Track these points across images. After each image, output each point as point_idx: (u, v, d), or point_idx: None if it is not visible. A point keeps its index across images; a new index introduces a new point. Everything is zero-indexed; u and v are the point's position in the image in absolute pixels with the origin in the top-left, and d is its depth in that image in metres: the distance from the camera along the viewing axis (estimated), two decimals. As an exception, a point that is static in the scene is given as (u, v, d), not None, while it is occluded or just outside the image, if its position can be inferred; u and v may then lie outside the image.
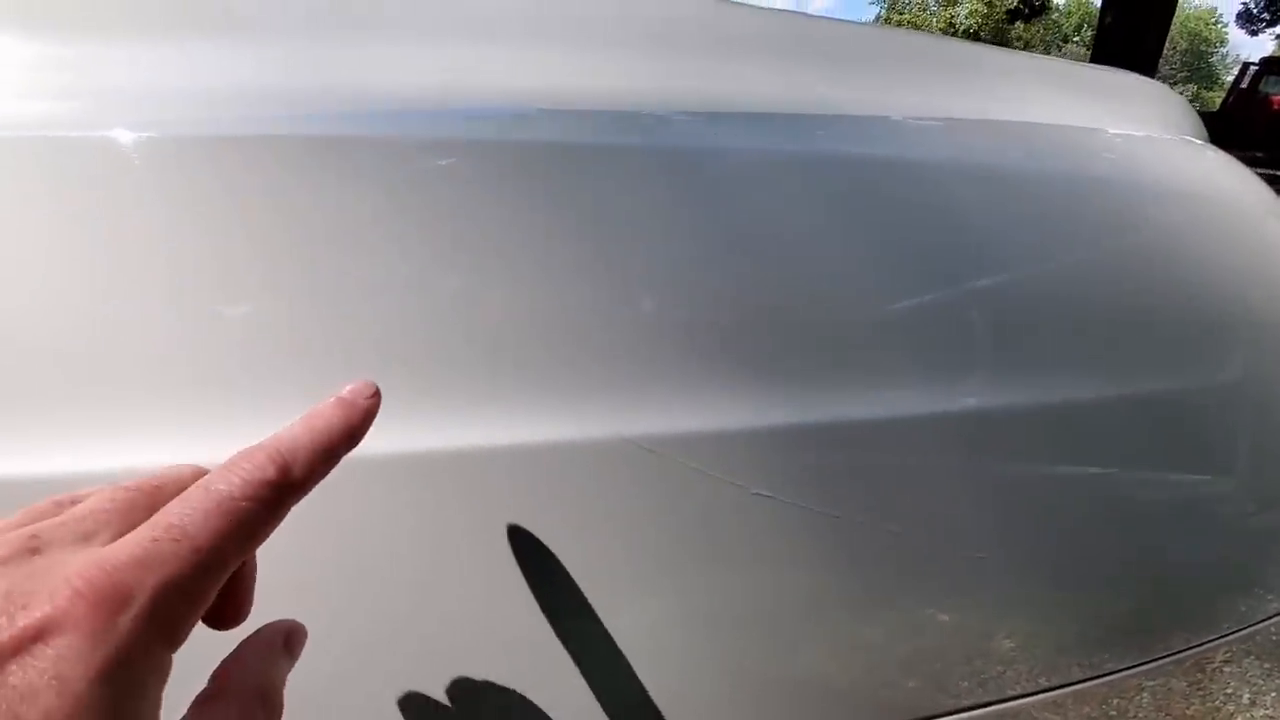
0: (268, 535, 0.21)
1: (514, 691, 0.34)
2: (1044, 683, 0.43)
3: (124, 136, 0.30)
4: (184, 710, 0.21)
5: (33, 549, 0.18)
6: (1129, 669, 0.44)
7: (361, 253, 0.31)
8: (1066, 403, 0.39)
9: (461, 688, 0.34)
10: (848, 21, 0.48)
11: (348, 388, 0.25)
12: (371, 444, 0.27)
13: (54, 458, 0.29)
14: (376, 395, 0.25)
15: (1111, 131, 0.47)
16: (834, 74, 0.42)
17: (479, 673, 0.34)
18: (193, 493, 0.20)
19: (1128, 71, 0.61)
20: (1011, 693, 0.43)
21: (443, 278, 0.32)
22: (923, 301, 0.37)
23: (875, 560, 0.37)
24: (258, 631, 0.24)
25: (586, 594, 0.34)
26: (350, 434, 0.24)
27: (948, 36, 0.53)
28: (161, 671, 0.19)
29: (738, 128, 0.37)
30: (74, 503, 0.21)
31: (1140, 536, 0.43)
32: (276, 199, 0.31)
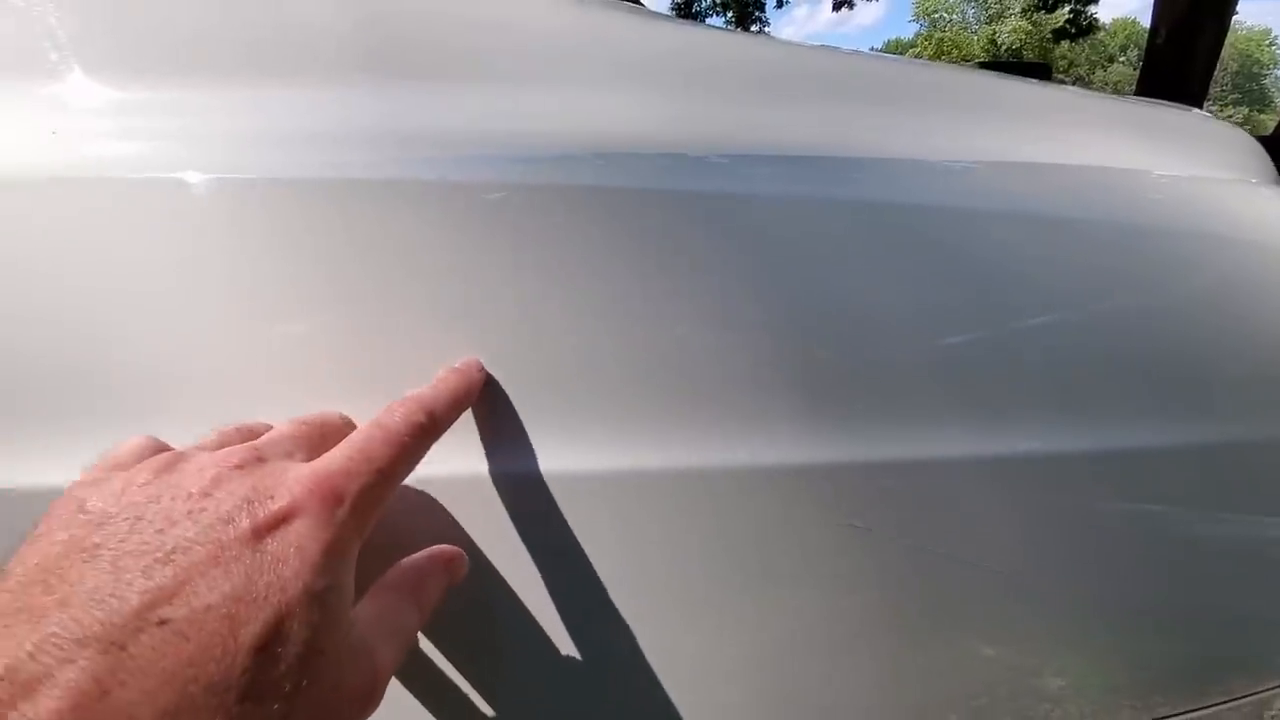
0: (417, 464, 0.28)
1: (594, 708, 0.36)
2: (1094, 724, 0.42)
3: (201, 179, 0.32)
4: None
5: (259, 459, 0.25)
6: (1184, 713, 0.43)
7: (436, 294, 0.33)
8: (1127, 449, 0.39)
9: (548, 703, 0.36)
10: (887, 57, 0.48)
11: (461, 360, 0.32)
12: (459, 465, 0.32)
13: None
14: (484, 370, 0.32)
15: (1163, 174, 0.46)
16: (880, 115, 0.42)
17: (569, 687, 0.35)
18: (369, 429, 0.27)
19: (1188, 108, 0.60)
20: (1060, 732, 0.42)
21: (526, 315, 0.33)
22: (989, 345, 0.37)
23: (933, 592, 0.37)
24: (429, 549, 0.31)
25: (667, 618, 0.35)
26: (469, 395, 0.31)
27: (995, 72, 0.53)
28: (355, 552, 0.25)
29: (809, 173, 0.38)
30: (251, 430, 0.29)
31: (1199, 581, 0.42)
32: (349, 241, 0.32)
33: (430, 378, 0.31)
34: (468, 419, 0.33)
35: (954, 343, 0.37)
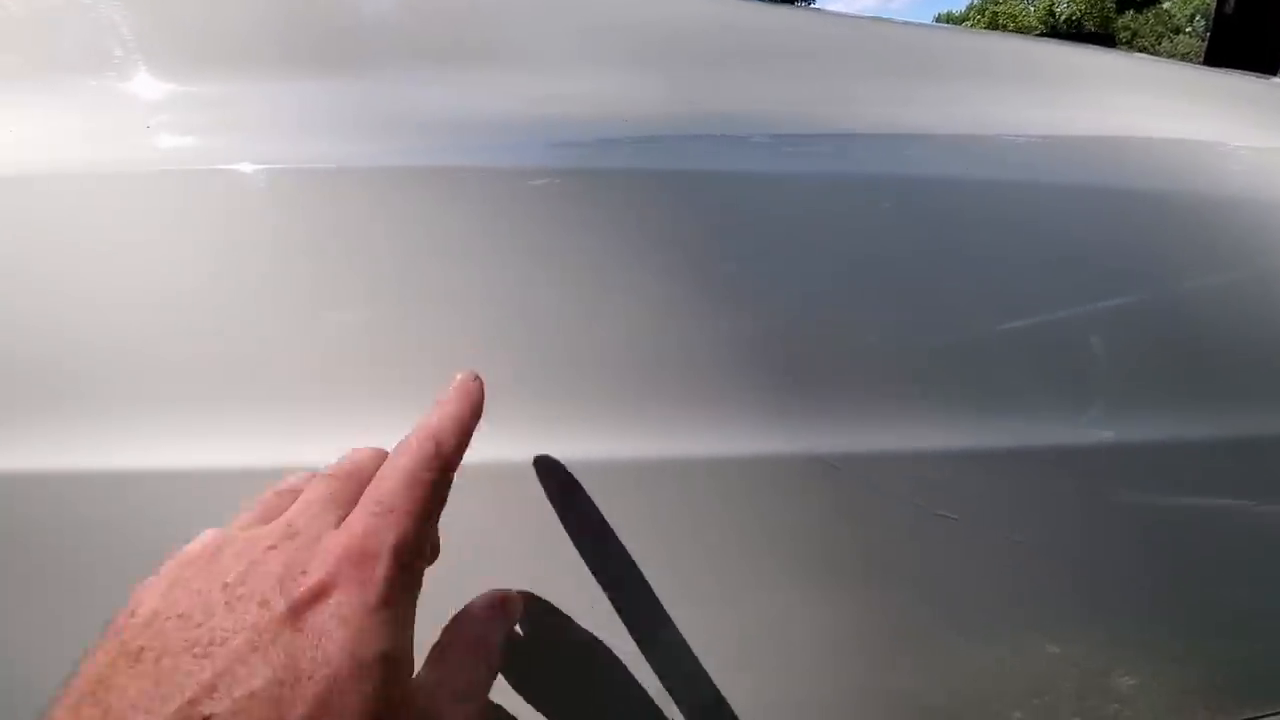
0: (446, 495, 0.27)
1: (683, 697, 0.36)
2: (1168, 725, 0.41)
3: (252, 169, 0.32)
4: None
5: (291, 533, 0.24)
6: (1268, 715, 0.41)
7: (495, 277, 0.33)
8: (1210, 439, 0.37)
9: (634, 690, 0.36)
10: (934, 26, 0.46)
11: (459, 377, 0.30)
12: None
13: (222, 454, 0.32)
14: (479, 380, 0.30)
15: (1239, 145, 0.43)
16: (930, 89, 0.41)
17: (648, 675, 0.36)
18: (385, 475, 0.26)
19: (1265, 76, 0.56)
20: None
21: (606, 295, 0.33)
22: (1067, 326, 0.36)
23: (995, 585, 0.36)
24: (479, 596, 0.30)
25: (761, 603, 0.35)
26: (475, 412, 0.29)
27: (1058, 40, 0.50)
28: (409, 611, 0.24)
29: (865, 151, 0.36)
30: (291, 491, 0.27)
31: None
32: (388, 226, 0.32)
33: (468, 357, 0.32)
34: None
35: (1030, 324, 0.35)
